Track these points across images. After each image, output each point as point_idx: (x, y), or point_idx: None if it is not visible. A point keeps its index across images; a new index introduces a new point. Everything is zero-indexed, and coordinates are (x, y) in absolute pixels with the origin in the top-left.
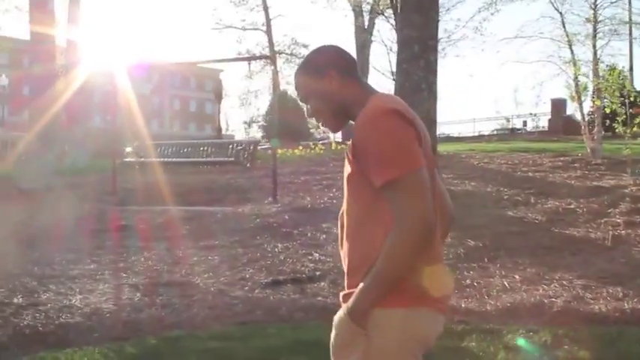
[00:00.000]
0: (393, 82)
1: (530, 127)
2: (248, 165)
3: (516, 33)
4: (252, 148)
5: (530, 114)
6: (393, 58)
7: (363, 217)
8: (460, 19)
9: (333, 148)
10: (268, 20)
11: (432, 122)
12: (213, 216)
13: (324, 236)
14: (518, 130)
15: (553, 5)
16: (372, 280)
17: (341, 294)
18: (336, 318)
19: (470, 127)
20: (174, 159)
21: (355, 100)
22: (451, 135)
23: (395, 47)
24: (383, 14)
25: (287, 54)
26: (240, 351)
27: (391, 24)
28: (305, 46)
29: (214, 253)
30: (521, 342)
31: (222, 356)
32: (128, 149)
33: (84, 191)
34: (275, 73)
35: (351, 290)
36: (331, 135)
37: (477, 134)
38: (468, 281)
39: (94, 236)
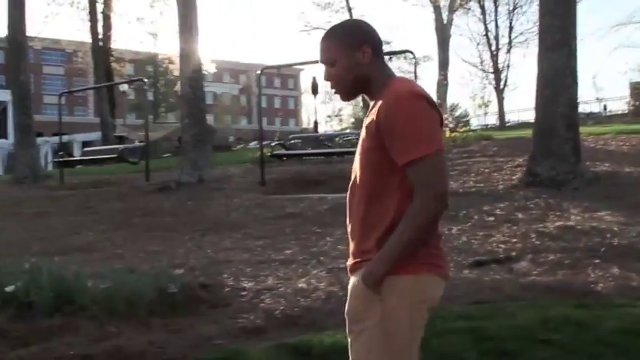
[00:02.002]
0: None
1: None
2: None
3: (628, 19)
4: None
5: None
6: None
7: (377, 189)
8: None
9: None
10: None
11: (574, 106)
12: None
13: (491, 218)
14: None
15: None
16: (390, 247)
17: (348, 263)
18: (351, 286)
19: None
20: (308, 150)
21: (376, 78)
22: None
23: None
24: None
25: None
26: (494, 330)
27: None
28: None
29: None
30: None
31: (482, 336)
32: (269, 142)
33: (232, 183)
34: None
35: (358, 260)
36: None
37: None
38: None
39: (266, 223)
